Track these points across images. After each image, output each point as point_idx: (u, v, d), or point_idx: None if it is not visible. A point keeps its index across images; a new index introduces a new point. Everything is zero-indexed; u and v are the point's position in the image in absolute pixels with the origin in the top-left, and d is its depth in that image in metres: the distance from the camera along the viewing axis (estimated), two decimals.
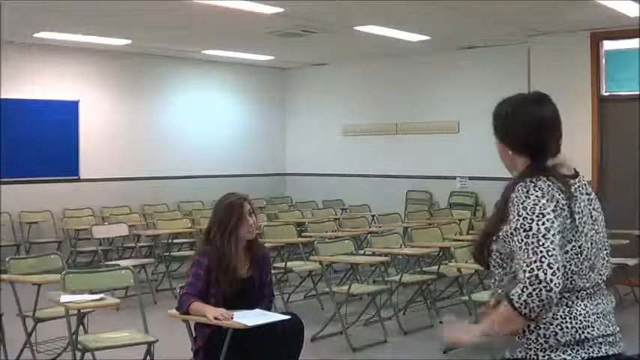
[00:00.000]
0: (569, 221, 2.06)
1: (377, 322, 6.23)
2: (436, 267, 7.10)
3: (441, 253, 7.52)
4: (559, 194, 2.07)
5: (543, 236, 1.98)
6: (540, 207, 2.02)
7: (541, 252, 1.97)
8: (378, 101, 11.60)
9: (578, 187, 2.16)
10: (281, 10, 7.56)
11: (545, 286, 1.93)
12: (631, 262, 7.29)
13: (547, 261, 1.95)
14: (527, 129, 2.16)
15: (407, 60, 11.06)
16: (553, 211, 2.02)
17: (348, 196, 11.43)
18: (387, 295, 6.49)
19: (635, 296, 7.41)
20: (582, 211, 2.11)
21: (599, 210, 2.22)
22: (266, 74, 12.64)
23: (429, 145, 10.95)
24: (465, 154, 10.46)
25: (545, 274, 1.94)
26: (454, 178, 10.65)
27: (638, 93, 8.27)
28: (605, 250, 2.20)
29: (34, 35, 9.11)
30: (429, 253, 7.48)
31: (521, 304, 1.96)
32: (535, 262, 1.96)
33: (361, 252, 7.08)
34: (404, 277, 6.66)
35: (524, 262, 1.98)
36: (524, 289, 1.96)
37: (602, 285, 2.18)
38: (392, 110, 11.41)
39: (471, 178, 10.42)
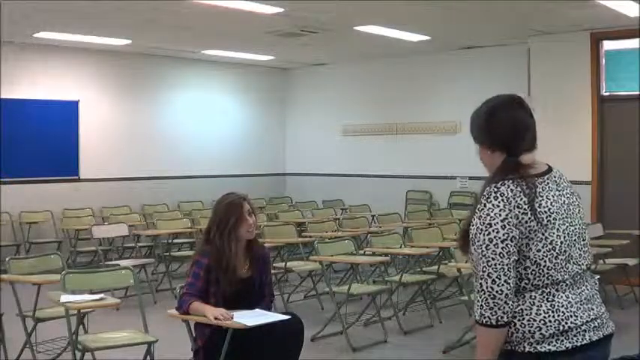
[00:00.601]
0: (533, 222, 2.17)
1: (377, 322, 6.23)
2: (436, 267, 7.09)
3: (441, 253, 7.52)
4: (521, 198, 2.17)
5: (486, 247, 2.16)
6: (490, 217, 2.16)
7: (483, 262, 2.16)
8: (378, 101, 11.60)
9: (548, 184, 2.25)
10: (281, 10, 7.56)
11: (489, 294, 2.14)
12: (631, 262, 7.29)
13: (487, 270, 2.15)
14: (502, 128, 2.28)
15: (407, 60, 11.06)
16: (502, 220, 2.15)
17: (348, 196, 11.43)
18: (387, 295, 6.49)
19: (635, 296, 7.41)
20: (550, 209, 2.20)
21: (576, 203, 2.31)
22: (266, 74, 12.64)
23: (429, 145, 10.95)
24: (465, 154, 10.33)
25: (486, 282, 2.14)
26: (454, 178, 10.65)
27: (638, 93, 8.27)
28: (583, 240, 2.29)
29: (34, 35, 9.11)
30: (429, 253, 7.48)
31: (478, 315, 2.17)
32: (480, 271, 2.17)
33: (361, 252, 7.07)
34: (404, 277, 6.66)
35: (477, 272, 2.19)
36: (476, 300, 2.18)
37: (582, 273, 2.25)
38: (392, 110, 11.41)
39: (471, 178, 10.41)
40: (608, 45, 8.60)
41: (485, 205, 2.19)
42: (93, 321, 5.00)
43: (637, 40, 8.20)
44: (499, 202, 2.17)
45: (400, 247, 6.99)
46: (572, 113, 8.62)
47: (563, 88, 8.69)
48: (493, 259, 2.14)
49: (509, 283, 2.13)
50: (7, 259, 5.36)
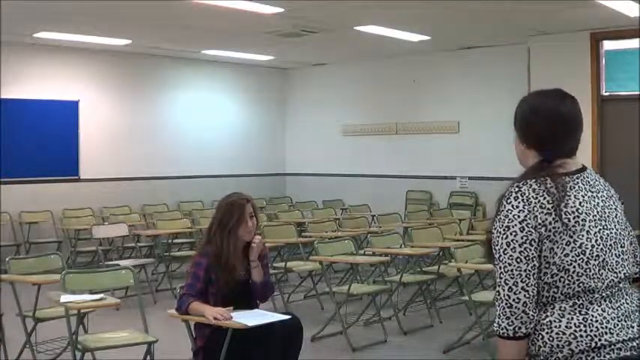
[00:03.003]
0: (559, 224, 2.00)
1: (377, 322, 6.23)
2: (436, 267, 7.10)
3: (441, 253, 7.52)
4: (544, 198, 2.02)
5: (504, 252, 2.01)
6: (509, 219, 2.03)
7: (500, 268, 2.02)
8: (378, 101, 11.61)
9: (578, 183, 2.08)
10: (281, 10, 7.56)
11: (506, 303, 1.98)
12: None
13: (504, 277, 2.00)
14: (542, 125, 2.12)
15: (407, 60, 11.07)
16: (520, 222, 2.01)
17: (348, 196, 11.44)
18: (387, 295, 6.48)
19: None
20: (578, 209, 2.02)
21: (613, 207, 2.13)
22: (266, 74, 12.64)
23: (429, 145, 10.95)
24: (465, 154, 10.46)
25: (504, 290, 1.99)
26: (454, 178, 10.65)
27: (638, 93, 8.27)
28: (622, 247, 2.09)
29: (34, 35, 9.12)
30: (429, 253, 7.47)
31: (496, 326, 2.02)
32: (498, 278, 2.03)
33: (361, 252, 7.07)
34: (404, 277, 6.66)
35: (496, 278, 2.05)
36: (497, 309, 2.02)
37: (621, 284, 2.06)
38: (392, 110, 11.41)
39: (470, 178, 10.42)
40: (608, 45, 8.61)
41: (504, 207, 2.05)
42: (93, 321, 5.00)
43: (637, 40, 8.20)
44: (518, 203, 2.03)
45: (400, 247, 6.99)
46: None
47: (563, 88, 8.64)
48: (510, 264, 1.99)
49: (527, 291, 1.97)
50: (7, 259, 5.36)
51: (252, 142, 12.47)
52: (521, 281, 1.97)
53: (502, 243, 2.02)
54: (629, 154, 8.31)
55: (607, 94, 8.64)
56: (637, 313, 2.05)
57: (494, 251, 2.06)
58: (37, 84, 9.89)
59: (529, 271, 1.98)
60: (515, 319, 1.96)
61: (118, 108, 10.84)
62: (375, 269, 7.53)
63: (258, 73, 12.46)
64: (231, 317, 3.77)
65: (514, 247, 2.00)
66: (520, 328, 1.97)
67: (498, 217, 2.06)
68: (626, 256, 2.10)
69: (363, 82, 11.85)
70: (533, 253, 1.99)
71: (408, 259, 7.24)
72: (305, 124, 12.72)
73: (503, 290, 1.99)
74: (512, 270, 1.99)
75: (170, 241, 9.32)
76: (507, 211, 2.04)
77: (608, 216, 2.09)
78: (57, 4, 7.31)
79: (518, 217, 2.01)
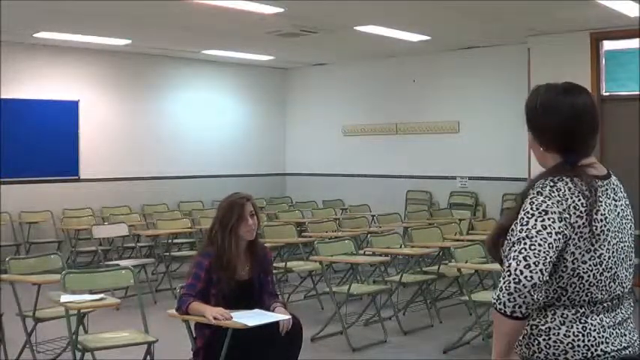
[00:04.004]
0: (587, 229, 1.92)
1: (377, 322, 6.23)
2: (436, 267, 7.10)
3: (441, 253, 7.52)
4: (579, 199, 1.93)
5: (537, 232, 1.89)
6: (547, 205, 1.91)
7: (525, 244, 1.88)
8: (378, 101, 11.61)
9: (606, 190, 2.01)
10: (281, 10, 7.56)
11: (514, 278, 1.85)
12: None
13: (526, 253, 1.86)
14: (558, 122, 2.00)
15: (407, 60, 11.07)
16: (560, 213, 1.91)
17: (348, 196, 11.43)
18: (387, 295, 6.48)
19: (635, 296, 7.40)
20: (606, 218, 1.96)
21: (629, 217, 2.07)
22: (266, 74, 12.64)
23: (429, 145, 10.95)
24: (465, 154, 10.46)
25: (518, 264, 1.86)
26: (454, 178, 10.65)
27: (638, 93, 8.27)
28: (630, 260, 2.04)
29: (34, 35, 9.12)
30: (429, 253, 7.48)
31: (495, 298, 1.90)
32: (514, 251, 1.89)
33: (361, 252, 7.07)
34: (404, 277, 6.66)
35: (508, 255, 1.92)
36: (500, 282, 1.90)
37: (622, 296, 2.03)
38: (392, 110, 11.41)
39: (470, 178, 10.42)
40: (608, 45, 8.60)
41: (540, 194, 1.93)
42: (93, 321, 5.00)
43: (637, 40, 8.20)
44: (556, 195, 1.91)
45: (400, 247, 6.99)
46: None
47: None
48: (541, 244, 1.86)
49: (543, 275, 1.84)
50: (7, 259, 5.36)
51: (252, 142, 12.47)
52: (543, 264, 1.85)
53: (536, 224, 1.89)
54: (629, 154, 8.30)
55: (607, 94, 8.63)
56: (629, 320, 2.04)
57: (516, 230, 1.92)
58: (37, 84, 9.89)
59: (552, 259, 1.88)
60: (519, 296, 1.84)
61: (118, 108, 10.83)
62: (375, 269, 7.54)
63: (258, 73, 12.46)
64: (231, 317, 3.77)
65: (550, 233, 1.88)
66: (520, 307, 1.85)
67: (531, 202, 1.93)
68: (632, 269, 2.06)
69: (363, 82, 11.85)
70: (559, 246, 1.89)
71: (408, 259, 7.24)
72: (305, 124, 12.72)
73: (518, 264, 1.85)
74: (539, 251, 1.86)
75: (170, 241, 9.32)
76: (545, 198, 1.92)
77: (623, 227, 2.03)
78: (57, 4, 7.31)
79: (557, 207, 1.91)
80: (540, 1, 7.10)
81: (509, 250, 1.92)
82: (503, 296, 1.86)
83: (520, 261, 1.86)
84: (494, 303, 1.89)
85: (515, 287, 1.84)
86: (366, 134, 11.80)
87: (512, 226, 1.96)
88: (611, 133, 8.53)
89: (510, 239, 1.95)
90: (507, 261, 1.89)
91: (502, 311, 1.87)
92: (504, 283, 1.86)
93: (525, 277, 1.84)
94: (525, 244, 1.88)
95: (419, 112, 11.08)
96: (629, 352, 1.98)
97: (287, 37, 9.20)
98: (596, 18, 7.89)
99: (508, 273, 1.86)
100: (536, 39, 8.93)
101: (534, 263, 1.85)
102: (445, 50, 10.46)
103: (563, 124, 2.00)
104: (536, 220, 1.90)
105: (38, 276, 5.20)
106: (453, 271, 6.74)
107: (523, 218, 1.92)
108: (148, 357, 4.37)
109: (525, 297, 1.84)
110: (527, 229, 1.90)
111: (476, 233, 8.10)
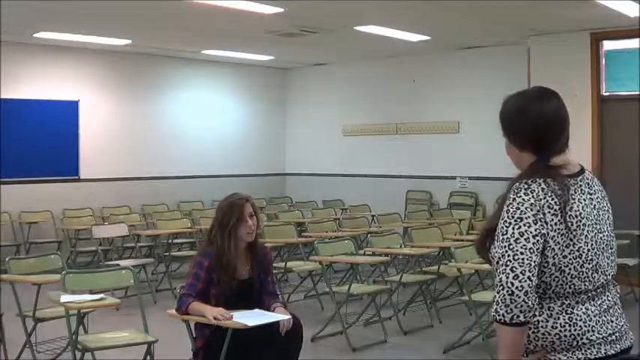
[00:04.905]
0: (562, 226, 2.04)
1: (377, 322, 6.23)
2: (436, 267, 7.10)
3: (441, 253, 7.52)
4: (552, 198, 2.05)
5: (515, 240, 2.01)
6: (521, 211, 2.04)
7: (508, 256, 2.01)
8: (378, 101, 11.61)
9: (580, 186, 2.13)
10: (281, 10, 7.56)
11: (507, 290, 1.98)
12: (631, 262, 7.30)
13: (512, 264, 1.99)
14: (531, 126, 2.14)
15: (407, 60, 11.07)
16: (534, 215, 2.03)
17: (348, 196, 11.43)
18: (387, 295, 6.49)
19: (635, 296, 7.41)
20: (581, 214, 2.08)
21: (606, 208, 2.19)
22: (266, 74, 12.64)
23: (429, 145, 10.95)
24: (465, 154, 10.46)
25: (508, 277, 1.99)
26: (454, 178, 10.65)
27: (638, 93, 8.27)
28: (611, 249, 2.17)
29: (34, 35, 9.11)
30: (429, 253, 7.48)
31: (494, 312, 2.02)
32: (502, 265, 2.02)
33: (361, 252, 7.07)
34: (404, 277, 6.66)
35: (498, 270, 2.04)
36: (496, 295, 2.02)
37: (607, 284, 2.14)
38: (392, 110, 11.41)
39: (470, 178, 10.42)
40: (608, 45, 8.60)
41: (514, 200, 2.05)
42: (93, 321, 5.01)
43: (637, 40, 8.20)
44: (530, 198, 2.04)
45: (400, 247, 6.99)
46: (572, 113, 8.46)
47: (563, 88, 8.64)
48: (522, 253, 1.99)
49: (532, 281, 1.98)
50: (7, 259, 5.36)
51: (252, 142, 12.47)
52: (529, 271, 1.99)
53: (514, 232, 2.02)
54: (629, 154, 8.30)
55: (607, 94, 8.63)
56: (615, 307, 2.15)
57: (497, 241, 2.06)
58: (37, 84, 9.89)
59: (536, 262, 2.01)
60: (515, 306, 1.97)
61: (118, 108, 10.83)
62: (375, 269, 7.54)
63: (258, 73, 12.46)
64: (231, 317, 3.77)
65: (528, 238, 2.01)
66: (519, 316, 1.97)
67: (507, 209, 2.06)
68: (613, 257, 2.18)
69: (363, 82, 11.85)
70: (539, 247, 2.02)
71: (408, 259, 7.25)
72: (305, 124, 12.72)
73: (507, 277, 1.99)
74: (522, 259, 1.99)
75: (170, 241, 9.33)
76: (518, 204, 2.04)
77: (601, 219, 2.15)
78: (57, 4, 7.31)
79: (531, 210, 2.03)
80: (540, 1, 7.09)
81: (497, 264, 2.05)
82: (500, 309, 1.99)
83: (508, 273, 1.99)
84: (494, 315, 2.01)
85: (510, 298, 1.98)
86: (366, 134, 11.80)
87: (497, 230, 2.08)
88: (611, 133, 8.53)
89: (496, 246, 2.07)
90: (498, 276, 2.02)
91: (502, 321, 1.99)
92: (500, 296, 2.00)
93: (516, 287, 1.98)
94: (509, 255, 2.01)
95: (419, 112, 11.08)
96: (615, 337, 2.09)
97: (287, 37, 9.20)
98: (596, 18, 7.89)
99: (501, 287, 2.00)
100: (536, 39, 8.93)
101: (521, 272, 1.99)
102: (445, 50, 10.46)
103: (535, 127, 2.14)
104: (513, 229, 2.03)
105: (38, 276, 5.20)
106: (453, 271, 6.74)
107: (502, 227, 2.06)
108: (148, 357, 4.37)
109: (521, 305, 1.97)
110: (507, 238, 2.03)
111: (476, 233, 8.09)
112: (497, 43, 9.79)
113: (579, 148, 8.57)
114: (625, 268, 7.24)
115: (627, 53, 8.48)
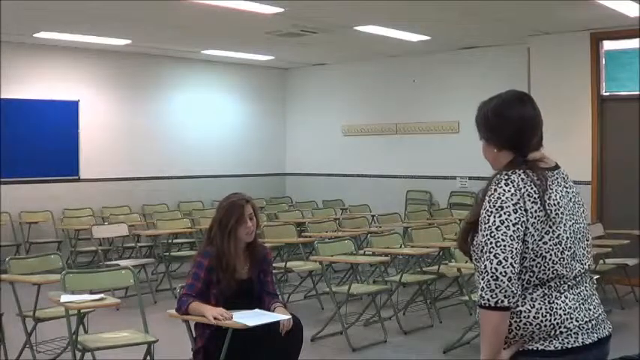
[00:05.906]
0: (542, 213, 2.15)
1: (377, 322, 6.23)
2: (436, 267, 7.10)
3: (441, 253, 7.52)
4: (531, 187, 2.16)
5: (496, 228, 2.12)
6: (502, 200, 2.14)
7: (491, 243, 2.12)
8: (378, 101, 11.61)
9: (557, 178, 2.26)
10: (281, 10, 7.56)
11: (491, 276, 2.09)
12: (631, 262, 7.29)
13: (495, 251, 2.11)
14: (511, 129, 2.26)
15: (407, 60, 11.07)
16: (514, 204, 2.13)
17: (348, 196, 11.43)
18: (387, 295, 6.49)
19: (635, 296, 7.41)
20: (559, 203, 2.20)
21: (580, 203, 2.32)
22: (266, 74, 12.64)
23: (429, 145, 10.95)
24: (465, 154, 10.43)
25: (492, 263, 2.10)
26: (454, 178, 10.65)
27: (638, 93, 8.27)
28: (587, 240, 2.30)
29: (34, 35, 9.12)
30: (429, 253, 7.48)
31: (479, 297, 2.13)
32: (486, 252, 2.13)
33: (361, 252, 7.07)
34: (404, 277, 6.66)
35: (481, 257, 2.15)
36: (480, 282, 2.13)
37: (584, 274, 2.25)
38: (392, 110, 11.41)
39: (470, 178, 10.42)
40: (608, 45, 8.59)
41: (495, 190, 2.17)
42: (93, 321, 5.01)
43: (637, 40, 8.19)
44: (510, 188, 2.16)
45: (400, 247, 6.99)
46: (572, 113, 8.61)
47: (563, 88, 8.68)
48: (503, 240, 2.11)
49: (514, 267, 2.09)
50: (7, 259, 5.36)
51: (252, 142, 12.47)
52: (511, 257, 2.10)
53: (495, 221, 2.13)
54: (629, 154, 8.30)
55: (607, 94, 8.63)
56: (593, 297, 2.26)
57: (480, 231, 2.16)
58: (37, 84, 9.88)
59: (518, 249, 2.12)
60: (500, 291, 2.08)
61: (118, 108, 10.83)
62: (375, 269, 7.54)
63: (258, 73, 12.46)
64: (232, 317, 3.77)
65: (508, 226, 2.12)
66: (503, 300, 2.08)
67: (488, 200, 2.17)
68: (589, 249, 2.31)
69: (363, 82, 11.85)
70: (520, 235, 2.13)
71: (408, 259, 7.25)
72: (305, 124, 12.72)
73: (491, 263, 2.10)
74: (504, 246, 2.10)
75: (170, 241, 9.32)
76: (499, 194, 2.15)
77: (576, 211, 2.28)
78: (57, 4, 7.31)
79: (512, 199, 2.14)
80: (540, 1, 7.09)
81: (481, 252, 2.16)
82: (485, 294, 2.10)
83: (492, 260, 2.11)
84: (479, 301, 2.13)
85: (495, 283, 2.09)
86: (366, 134, 11.81)
87: (480, 219, 2.19)
88: (611, 133, 8.53)
89: (479, 235, 2.19)
90: (482, 263, 2.14)
91: (487, 305, 2.10)
92: (484, 282, 2.11)
93: (500, 272, 2.09)
94: (491, 243, 2.12)
95: (419, 112, 11.08)
96: (592, 324, 2.18)
97: (287, 37, 9.20)
98: (596, 18, 7.89)
99: (485, 272, 2.11)
100: (536, 39, 8.93)
101: (504, 259, 2.10)
102: (445, 50, 10.46)
103: (514, 127, 2.26)
104: (494, 217, 2.14)
105: (38, 276, 5.20)
106: (453, 271, 6.73)
107: (485, 216, 2.17)
108: (148, 357, 4.37)
109: (505, 290, 2.08)
110: (489, 226, 2.14)
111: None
112: (497, 43, 9.79)
113: (579, 148, 8.64)
114: (625, 268, 7.25)
115: (627, 53, 8.48)
